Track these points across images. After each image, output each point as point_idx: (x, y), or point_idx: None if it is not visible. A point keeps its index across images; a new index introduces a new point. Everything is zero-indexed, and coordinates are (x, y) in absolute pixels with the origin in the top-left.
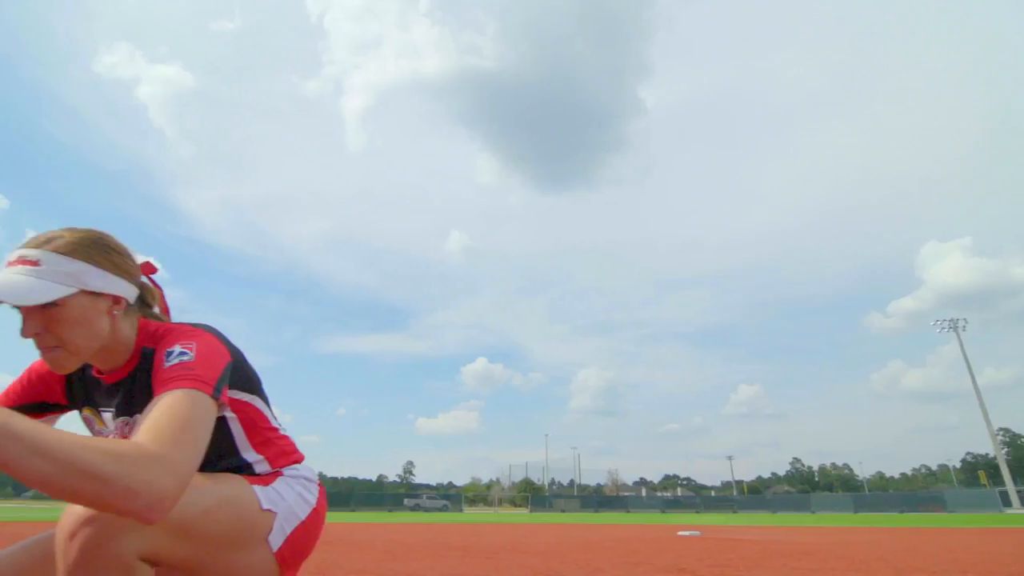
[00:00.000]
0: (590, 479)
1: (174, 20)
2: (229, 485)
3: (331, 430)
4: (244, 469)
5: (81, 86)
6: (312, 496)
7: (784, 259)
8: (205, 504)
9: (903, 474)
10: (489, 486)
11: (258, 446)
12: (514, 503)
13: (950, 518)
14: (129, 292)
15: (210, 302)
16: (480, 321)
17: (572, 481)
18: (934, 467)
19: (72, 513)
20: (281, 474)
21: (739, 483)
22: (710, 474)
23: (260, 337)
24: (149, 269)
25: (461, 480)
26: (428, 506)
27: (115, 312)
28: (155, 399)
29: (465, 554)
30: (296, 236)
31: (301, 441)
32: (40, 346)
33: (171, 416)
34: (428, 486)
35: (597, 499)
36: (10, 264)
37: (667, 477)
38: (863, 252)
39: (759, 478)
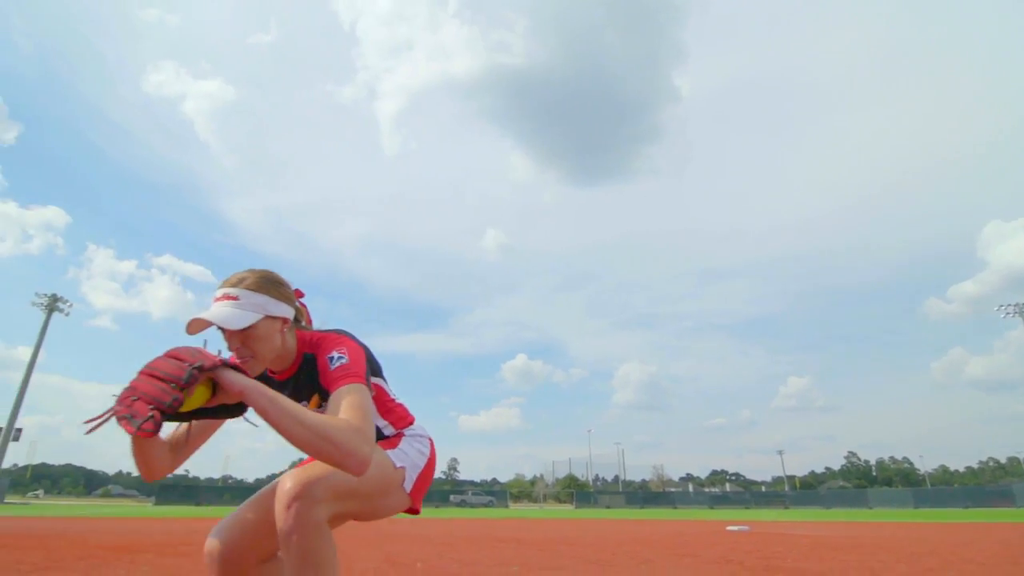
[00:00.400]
0: (635, 475)
1: (214, 36)
2: (374, 454)
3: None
4: (377, 433)
5: (131, 105)
6: (426, 449)
7: (832, 245)
8: (378, 472)
9: (968, 468)
10: (533, 482)
11: (384, 414)
12: (558, 499)
13: (1019, 513)
14: (291, 314)
15: None
16: (519, 318)
17: (616, 477)
18: (1003, 460)
19: (284, 492)
20: (403, 435)
21: (791, 478)
22: (760, 469)
23: None
24: (299, 294)
25: (505, 477)
26: (474, 502)
27: (284, 330)
28: (336, 392)
29: (518, 545)
30: (336, 240)
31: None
32: (239, 356)
33: (353, 403)
34: (472, 483)
35: (643, 495)
36: (217, 300)
37: (715, 472)
38: (918, 235)
39: (812, 473)
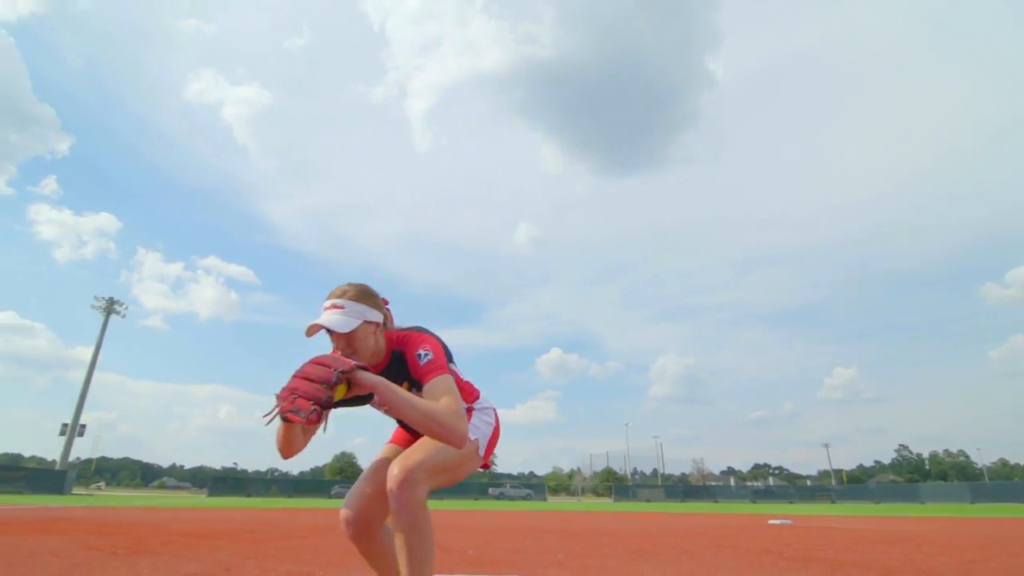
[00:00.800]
0: (674, 468)
1: (250, 43)
2: None
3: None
4: None
5: (174, 113)
6: (491, 419)
7: (877, 230)
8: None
9: None
10: (571, 475)
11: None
12: (597, 492)
13: None
14: (381, 319)
15: (298, 304)
16: (552, 312)
17: (655, 471)
18: None
19: (392, 477)
20: (473, 409)
21: (837, 472)
22: (805, 463)
23: None
24: (385, 302)
25: (541, 470)
26: (512, 495)
27: (377, 332)
28: (430, 383)
29: (560, 536)
30: (371, 238)
31: (386, 433)
32: (343, 354)
33: (446, 390)
34: (510, 476)
35: (683, 489)
36: (327, 309)
37: (757, 466)
38: (973, 215)
39: (860, 467)
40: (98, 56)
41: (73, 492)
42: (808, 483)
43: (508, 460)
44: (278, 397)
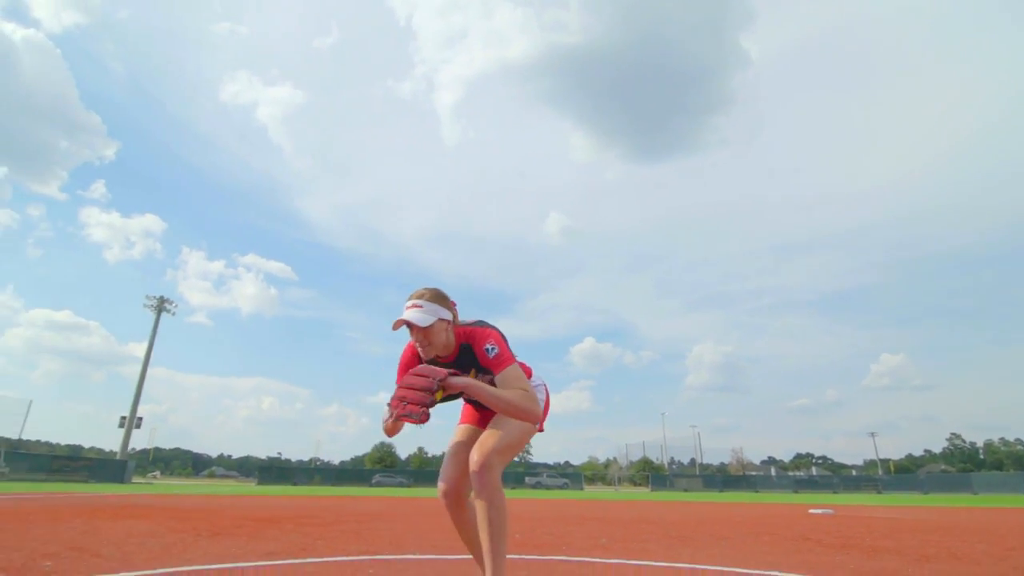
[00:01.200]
0: (712, 458)
1: (281, 43)
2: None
3: (451, 412)
4: None
5: (211, 116)
6: (543, 395)
7: (929, 206)
8: (519, 427)
9: None
10: (607, 465)
11: None
12: (633, 482)
13: None
14: (451, 317)
15: (335, 298)
16: (585, 301)
17: (693, 460)
18: None
19: (473, 463)
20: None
21: (884, 462)
22: (850, 452)
23: (379, 329)
24: (453, 304)
25: (577, 459)
26: (549, 484)
27: (448, 328)
28: (502, 373)
29: (600, 523)
30: (403, 232)
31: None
32: (420, 346)
33: (517, 378)
34: (546, 465)
35: (721, 478)
36: (409, 308)
37: (799, 456)
38: None
39: (909, 456)
40: (138, 63)
41: (132, 481)
42: (853, 473)
43: (543, 450)
44: (390, 405)
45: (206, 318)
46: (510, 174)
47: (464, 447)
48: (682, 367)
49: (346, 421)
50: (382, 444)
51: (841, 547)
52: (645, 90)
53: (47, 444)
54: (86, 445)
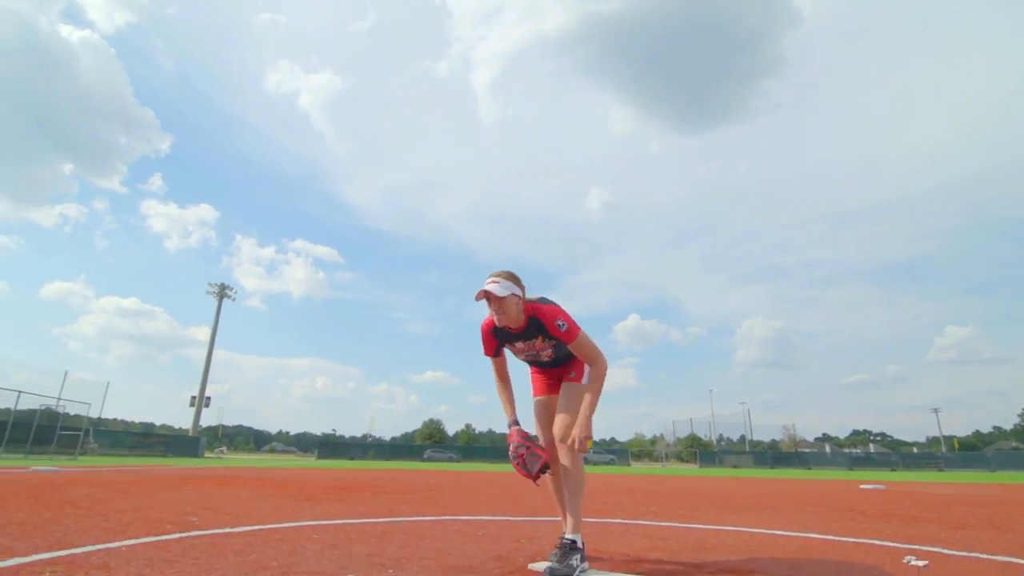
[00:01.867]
0: (763, 435)
1: (319, 30)
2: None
3: (495, 392)
4: (570, 359)
5: (256, 106)
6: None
7: (996, 170)
8: (587, 398)
9: None
10: (654, 441)
11: None
12: (681, 459)
13: None
14: (522, 294)
15: (381, 280)
16: (628, 277)
17: (743, 437)
18: None
19: (557, 440)
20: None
21: (948, 439)
22: (911, 429)
23: (424, 309)
24: (522, 286)
25: (623, 436)
26: (596, 460)
27: (519, 303)
28: (575, 342)
29: (650, 495)
30: (444, 212)
31: (469, 401)
32: (495, 313)
33: (587, 343)
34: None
35: (772, 455)
36: (489, 283)
37: (856, 433)
38: None
39: (977, 433)
40: (186, 58)
41: (205, 455)
42: (915, 450)
43: None
44: (516, 460)
45: (260, 302)
46: (549, 150)
47: (550, 425)
48: (731, 343)
49: (395, 399)
50: (431, 420)
51: (882, 517)
52: (688, 56)
53: (123, 422)
54: (157, 423)
